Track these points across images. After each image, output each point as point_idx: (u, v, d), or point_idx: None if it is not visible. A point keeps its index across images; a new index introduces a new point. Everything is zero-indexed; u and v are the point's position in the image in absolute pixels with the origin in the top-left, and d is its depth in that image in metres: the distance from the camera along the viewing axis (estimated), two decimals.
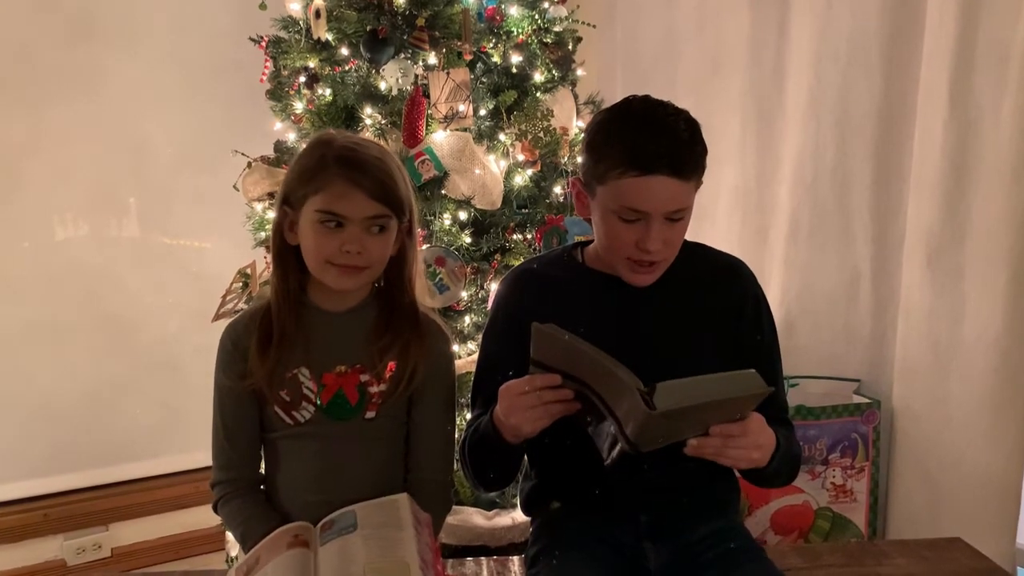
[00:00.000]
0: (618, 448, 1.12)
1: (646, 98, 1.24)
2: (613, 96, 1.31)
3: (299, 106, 2.21)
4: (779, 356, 1.40)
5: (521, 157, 2.16)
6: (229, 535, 2.33)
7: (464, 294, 2.08)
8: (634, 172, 1.18)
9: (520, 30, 2.16)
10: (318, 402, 1.29)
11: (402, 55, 2.09)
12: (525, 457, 1.40)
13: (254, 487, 1.35)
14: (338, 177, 1.21)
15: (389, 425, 1.33)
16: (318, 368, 1.29)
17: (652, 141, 1.18)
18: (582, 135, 2.31)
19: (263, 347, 1.28)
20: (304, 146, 1.33)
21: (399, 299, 1.34)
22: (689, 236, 1.32)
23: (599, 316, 1.30)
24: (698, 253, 1.38)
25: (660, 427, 1.09)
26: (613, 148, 1.21)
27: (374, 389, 1.30)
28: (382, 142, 1.37)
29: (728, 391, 1.11)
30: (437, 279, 2.00)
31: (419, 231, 1.39)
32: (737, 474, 1.37)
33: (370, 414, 1.30)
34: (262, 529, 1.26)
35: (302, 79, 2.18)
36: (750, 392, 1.13)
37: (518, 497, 1.48)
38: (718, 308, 1.33)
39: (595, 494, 1.33)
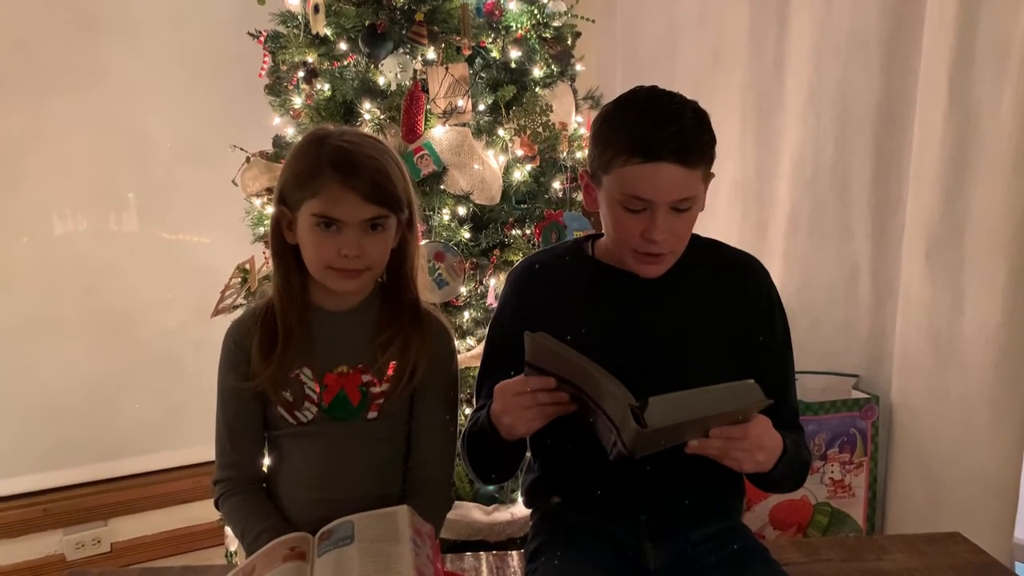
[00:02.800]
0: (616, 449, 1.11)
1: (653, 88, 1.22)
2: (612, 91, 1.30)
3: (298, 101, 2.21)
4: (791, 357, 1.37)
5: (520, 152, 2.15)
6: (228, 530, 2.34)
7: (463, 289, 2.08)
8: (638, 159, 1.16)
9: (519, 25, 2.16)
10: (320, 403, 1.28)
11: (401, 50, 2.09)
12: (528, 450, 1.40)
13: (255, 484, 1.34)
14: (332, 181, 1.19)
15: (391, 425, 1.32)
16: (320, 368, 1.28)
17: (657, 128, 1.16)
18: (581, 130, 2.31)
19: (266, 349, 1.27)
20: (299, 141, 1.30)
21: (401, 293, 1.33)
22: (694, 232, 1.31)
23: (607, 310, 1.30)
24: (711, 249, 1.37)
25: (655, 437, 1.07)
26: (618, 136, 1.19)
27: (376, 390, 1.29)
28: (381, 137, 1.35)
29: (723, 405, 1.08)
30: (436, 274, 2.00)
31: (419, 225, 1.38)
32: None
33: (372, 414, 1.29)
34: (261, 525, 1.26)
35: (301, 74, 2.18)
36: (747, 405, 1.10)
37: (520, 488, 1.47)
38: (729, 304, 1.31)
39: (596, 493, 1.32)
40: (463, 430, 1.35)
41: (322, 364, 1.28)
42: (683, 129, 1.17)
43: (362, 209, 1.21)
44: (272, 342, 1.27)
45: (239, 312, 1.39)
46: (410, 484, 1.33)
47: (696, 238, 1.32)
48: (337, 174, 1.19)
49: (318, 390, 1.28)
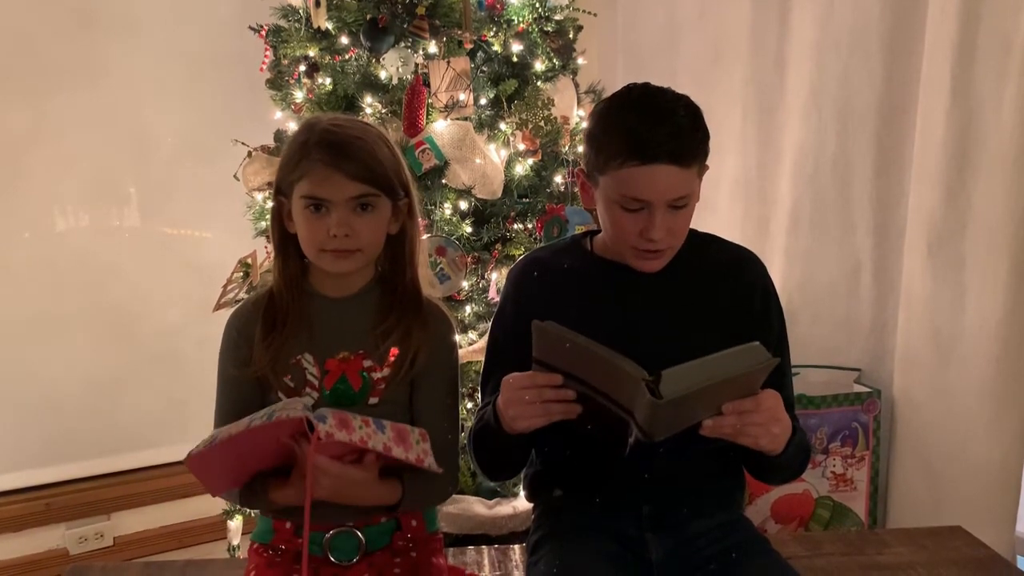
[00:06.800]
0: (633, 437, 1.11)
1: (646, 86, 1.23)
2: (614, 85, 1.30)
3: (299, 95, 2.21)
4: (787, 351, 1.38)
5: (522, 146, 2.15)
6: (231, 524, 2.34)
7: (465, 284, 2.08)
8: (634, 162, 1.17)
9: (521, 18, 2.16)
10: (321, 388, 1.28)
11: (402, 44, 2.09)
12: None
13: None
14: (318, 162, 1.22)
15: (393, 412, 1.32)
16: (321, 354, 1.29)
17: (652, 130, 1.17)
18: (583, 124, 2.31)
19: (267, 333, 1.28)
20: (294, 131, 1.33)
21: (401, 282, 1.33)
22: (691, 227, 1.32)
23: (606, 305, 1.30)
24: (709, 244, 1.38)
25: (671, 414, 1.08)
26: (613, 138, 1.20)
27: (377, 375, 1.29)
28: (382, 130, 1.37)
29: (734, 368, 1.09)
30: (438, 269, 2.00)
31: (421, 219, 1.39)
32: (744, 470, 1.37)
33: (373, 400, 1.30)
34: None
35: (302, 68, 2.18)
36: (756, 366, 1.11)
37: (522, 482, 1.48)
38: (727, 298, 1.32)
39: (597, 486, 1.33)
40: (469, 427, 1.35)
41: (323, 350, 1.29)
42: (678, 129, 1.18)
43: (347, 187, 1.22)
44: (272, 327, 1.29)
45: None
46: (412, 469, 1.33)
47: (694, 233, 1.33)
48: (323, 155, 1.22)
49: (319, 375, 1.28)
